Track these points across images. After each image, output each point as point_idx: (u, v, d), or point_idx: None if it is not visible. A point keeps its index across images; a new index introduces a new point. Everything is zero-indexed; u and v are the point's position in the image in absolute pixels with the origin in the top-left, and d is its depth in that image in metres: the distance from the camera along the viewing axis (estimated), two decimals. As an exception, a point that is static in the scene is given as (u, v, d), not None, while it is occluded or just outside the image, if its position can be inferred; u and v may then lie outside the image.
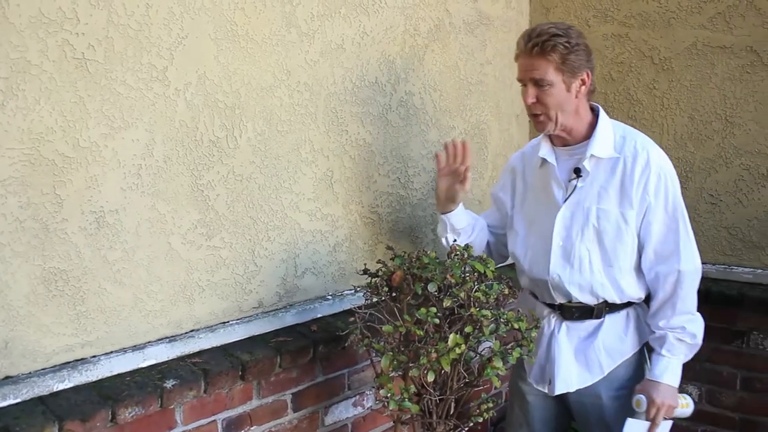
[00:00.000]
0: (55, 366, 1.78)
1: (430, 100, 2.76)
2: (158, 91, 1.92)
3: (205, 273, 2.08)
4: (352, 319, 1.93)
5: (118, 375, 1.87)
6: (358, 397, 2.44)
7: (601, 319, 2.08)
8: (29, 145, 1.69)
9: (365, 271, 2.06)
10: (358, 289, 2.12)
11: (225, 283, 2.13)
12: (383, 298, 1.92)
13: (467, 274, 1.85)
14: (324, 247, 2.41)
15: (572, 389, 2.10)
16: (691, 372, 2.91)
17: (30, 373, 1.73)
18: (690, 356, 2.07)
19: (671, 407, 1.99)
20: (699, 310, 2.82)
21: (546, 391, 2.15)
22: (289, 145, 2.26)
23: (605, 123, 2.04)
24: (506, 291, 1.92)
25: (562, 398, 2.17)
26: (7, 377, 1.70)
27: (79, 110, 1.77)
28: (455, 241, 2.16)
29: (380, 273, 1.96)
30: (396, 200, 2.66)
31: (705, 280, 2.84)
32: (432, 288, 1.80)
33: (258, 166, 2.18)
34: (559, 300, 2.10)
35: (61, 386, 1.77)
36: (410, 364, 1.82)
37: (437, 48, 2.77)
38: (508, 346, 1.88)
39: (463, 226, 2.26)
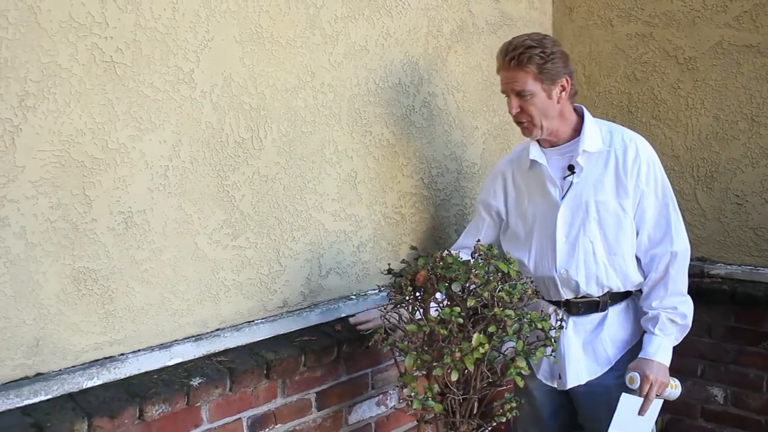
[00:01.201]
0: (84, 364, 1.81)
1: (453, 101, 2.76)
2: (185, 93, 1.95)
3: (231, 272, 2.10)
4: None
5: (146, 373, 1.90)
6: (381, 396, 2.45)
7: (605, 312, 2.14)
8: (59, 146, 1.73)
9: (389, 271, 2.07)
10: (382, 288, 2.13)
11: (250, 283, 2.15)
12: (407, 297, 1.93)
13: (491, 274, 1.86)
14: (348, 247, 2.42)
15: (583, 382, 2.15)
16: (716, 373, 2.89)
17: (60, 370, 1.77)
18: (680, 338, 2.12)
19: (663, 384, 2.05)
20: (725, 311, 2.81)
21: (556, 386, 2.19)
22: (314, 145, 2.28)
23: (591, 121, 2.14)
24: (529, 291, 1.92)
25: (568, 390, 2.20)
26: (38, 374, 1.73)
27: (107, 112, 1.80)
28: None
29: (404, 273, 1.97)
30: (419, 200, 2.67)
31: (731, 281, 2.85)
32: (456, 288, 1.81)
33: (283, 166, 2.20)
34: (566, 296, 2.15)
35: (90, 383, 1.80)
36: (434, 364, 1.82)
37: (460, 49, 2.77)
38: (531, 346, 1.88)
39: None
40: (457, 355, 1.77)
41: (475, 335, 1.78)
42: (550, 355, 1.93)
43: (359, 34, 2.39)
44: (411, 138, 2.60)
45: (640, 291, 2.16)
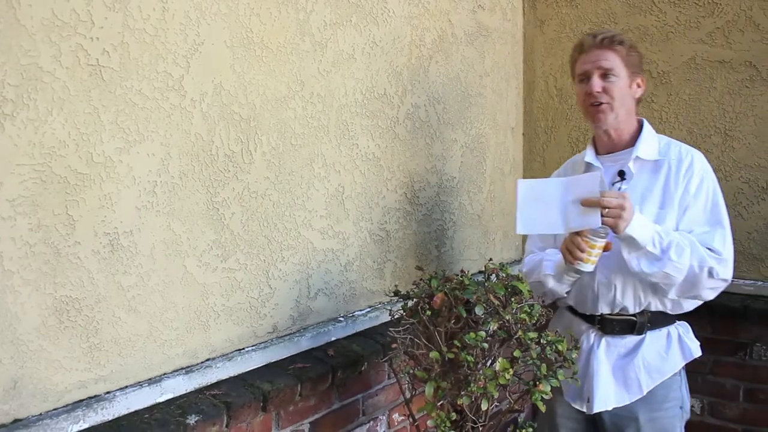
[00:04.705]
0: (67, 405, 1.60)
1: (435, 112, 2.67)
2: (174, 102, 1.78)
3: (221, 297, 1.93)
4: (394, 345, 1.81)
5: (136, 412, 1.71)
6: (371, 423, 2.32)
7: (642, 336, 2.02)
8: (40, 160, 1.53)
9: (396, 293, 1.95)
10: (376, 306, 2.00)
11: (240, 308, 1.99)
12: (423, 319, 1.80)
13: (512, 296, 1.77)
14: (336, 266, 2.28)
15: (609, 408, 2.03)
16: (693, 384, 2.89)
17: (41, 414, 1.55)
18: (655, 265, 1.89)
19: (620, 219, 1.81)
20: (702, 322, 2.82)
21: (584, 409, 2.07)
22: (303, 159, 2.14)
23: (650, 131, 2.09)
24: (542, 311, 1.85)
25: (595, 420, 2.09)
26: (16, 420, 1.51)
27: (93, 122, 1.62)
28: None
29: (413, 295, 1.85)
30: (403, 216, 2.56)
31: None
32: (479, 311, 1.70)
33: (272, 182, 2.05)
34: (602, 310, 2.04)
35: (76, 428, 1.59)
36: (462, 393, 1.70)
37: (441, 59, 2.69)
38: (551, 368, 1.80)
39: None
40: (482, 382, 1.66)
41: (500, 360, 1.68)
42: (572, 377, 1.83)
43: (347, 42, 2.26)
44: (395, 151, 2.49)
45: (684, 319, 2.07)
